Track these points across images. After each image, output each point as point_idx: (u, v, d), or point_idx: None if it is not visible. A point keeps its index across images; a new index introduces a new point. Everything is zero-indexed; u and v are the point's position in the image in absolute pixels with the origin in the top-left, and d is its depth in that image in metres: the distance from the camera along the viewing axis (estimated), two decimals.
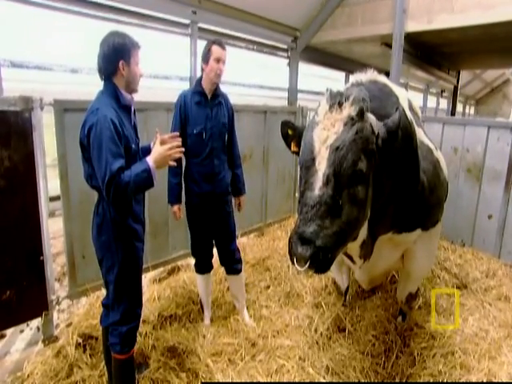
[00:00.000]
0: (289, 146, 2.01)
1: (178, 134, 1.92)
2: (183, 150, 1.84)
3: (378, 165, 1.67)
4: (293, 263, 1.54)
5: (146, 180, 1.69)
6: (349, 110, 1.59)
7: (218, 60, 2.37)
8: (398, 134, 1.65)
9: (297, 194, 4.18)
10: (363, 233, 1.82)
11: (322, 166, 1.56)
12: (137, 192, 1.79)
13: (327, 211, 1.50)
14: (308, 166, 1.61)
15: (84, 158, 1.80)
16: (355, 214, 1.59)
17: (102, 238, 1.84)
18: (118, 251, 1.83)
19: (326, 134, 1.59)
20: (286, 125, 1.97)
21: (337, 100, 1.62)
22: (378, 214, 1.86)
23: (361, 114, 1.59)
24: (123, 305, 1.88)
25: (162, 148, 1.76)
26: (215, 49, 2.38)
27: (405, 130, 1.75)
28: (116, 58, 1.74)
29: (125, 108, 1.83)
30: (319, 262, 1.48)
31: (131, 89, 1.86)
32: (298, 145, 1.83)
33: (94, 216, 1.89)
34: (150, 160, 1.72)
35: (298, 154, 1.83)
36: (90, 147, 1.68)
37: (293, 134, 1.95)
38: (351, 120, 1.58)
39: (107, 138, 1.63)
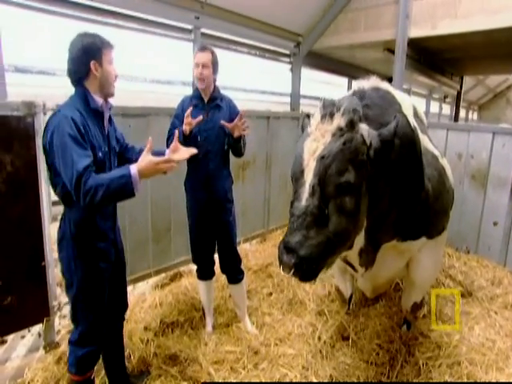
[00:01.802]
0: None
1: (194, 150, 1.83)
2: (176, 166, 1.70)
3: (373, 174, 1.65)
4: (281, 269, 1.59)
5: (124, 186, 1.53)
6: (338, 120, 1.60)
7: (198, 65, 2.37)
8: (394, 143, 1.63)
9: None
10: (359, 241, 1.81)
11: (309, 177, 1.57)
12: (113, 199, 1.65)
13: (313, 221, 1.52)
14: (297, 178, 1.64)
15: (47, 164, 1.68)
16: (343, 224, 1.58)
17: (62, 254, 1.72)
18: (78, 271, 1.70)
19: (316, 145, 1.60)
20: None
21: (328, 110, 1.63)
22: (379, 222, 1.84)
23: (350, 125, 1.59)
24: (80, 327, 1.76)
25: (152, 159, 1.60)
26: (196, 55, 2.41)
27: (406, 137, 1.74)
28: (87, 58, 1.63)
29: (95, 113, 1.70)
30: (303, 271, 1.51)
31: (106, 91, 1.73)
32: None
33: (58, 229, 1.76)
34: (135, 167, 1.57)
35: None
36: (53, 151, 1.57)
37: None
38: (340, 131, 1.58)
39: (70, 138, 1.52)
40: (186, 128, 2.25)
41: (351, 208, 1.58)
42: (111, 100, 1.81)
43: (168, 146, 2.22)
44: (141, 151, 1.95)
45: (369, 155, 1.62)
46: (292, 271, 1.50)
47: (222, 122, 2.36)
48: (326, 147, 1.57)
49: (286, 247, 1.52)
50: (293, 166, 1.70)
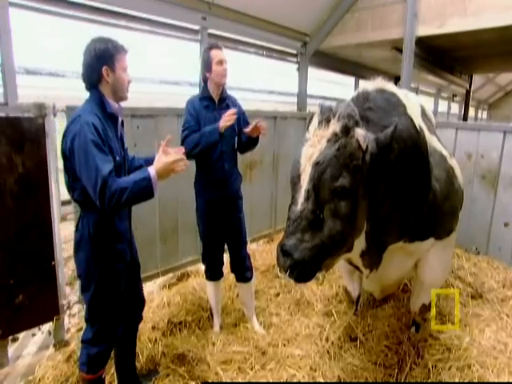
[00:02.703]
0: None
1: (183, 149, 1.82)
2: (187, 164, 1.75)
3: (370, 178, 1.66)
4: (278, 271, 1.67)
5: (145, 189, 1.59)
6: (334, 126, 1.62)
7: (221, 62, 2.38)
8: (392, 147, 1.64)
9: None
10: (360, 244, 1.82)
11: (305, 182, 1.61)
12: (135, 201, 1.65)
13: (308, 225, 1.57)
14: (295, 182, 1.67)
15: (65, 168, 1.70)
16: (338, 228, 1.60)
17: (80, 256, 1.74)
18: (96, 272, 1.72)
19: (312, 150, 1.64)
20: None
21: (325, 116, 1.66)
22: (383, 224, 1.84)
23: (345, 130, 1.60)
24: (96, 326, 1.79)
25: (167, 160, 1.64)
26: (214, 53, 2.41)
27: (410, 139, 1.74)
28: (99, 64, 1.66)
29: (111, 117, 1.74)
30: (298, 273, 1.57)
31: (119, 96, 1.77)
32: None
33: (74, 231, 1.79)
34: (153, 169, 1.62)
35: None
36: (74, 157, 1.59)
37: None
38: (335, 136, 1.61)
39: (93, 144, 1.55)
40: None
41: (346, 212, 1.60)
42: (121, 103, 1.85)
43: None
44: (133, 159, 1.99)
45: (364, 160, 1.62)
46: (287, 273, 1.57)
47: (245, 130, 2.44)
48: (320, 153, 1.60)
49: (281, 250, 1.58)
50: (291, 171, 1.74)
